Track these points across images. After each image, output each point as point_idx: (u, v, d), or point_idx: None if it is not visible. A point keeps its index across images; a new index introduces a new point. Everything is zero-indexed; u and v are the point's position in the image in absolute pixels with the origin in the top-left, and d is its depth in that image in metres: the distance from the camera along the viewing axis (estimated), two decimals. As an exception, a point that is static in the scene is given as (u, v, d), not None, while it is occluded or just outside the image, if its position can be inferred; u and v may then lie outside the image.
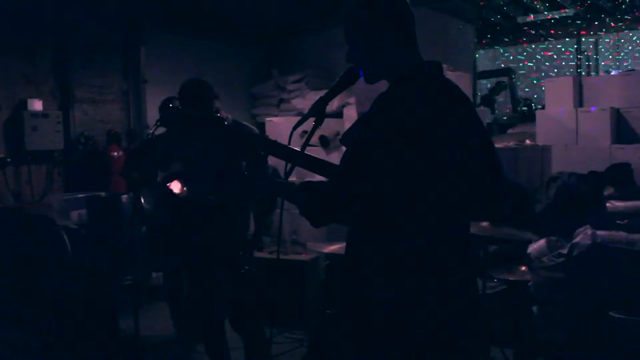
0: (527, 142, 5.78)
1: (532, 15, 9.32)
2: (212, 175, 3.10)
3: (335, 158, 5.46)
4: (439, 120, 1.55)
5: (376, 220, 1.60)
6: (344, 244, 3.32)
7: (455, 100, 1.64)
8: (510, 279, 3.29)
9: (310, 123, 1.84)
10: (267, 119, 6.85)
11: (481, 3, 8.01)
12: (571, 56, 11.19)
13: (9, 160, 5.52)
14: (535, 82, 11.67)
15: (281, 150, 1.87)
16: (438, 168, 1.54)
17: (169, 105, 3.91)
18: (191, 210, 3.21)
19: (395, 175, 1.53)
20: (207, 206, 3.11)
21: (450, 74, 4.95)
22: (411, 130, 1.53)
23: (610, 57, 11.37)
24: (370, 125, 1.61)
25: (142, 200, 4.10)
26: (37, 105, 5.63)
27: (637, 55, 11.10)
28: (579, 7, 8.84)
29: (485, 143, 1.69)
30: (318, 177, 1.89)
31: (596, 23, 9.86)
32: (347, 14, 1.75)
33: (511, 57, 12.18)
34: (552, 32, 10.36)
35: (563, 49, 11.66)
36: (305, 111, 1.86)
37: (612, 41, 11.23)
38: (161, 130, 3.71)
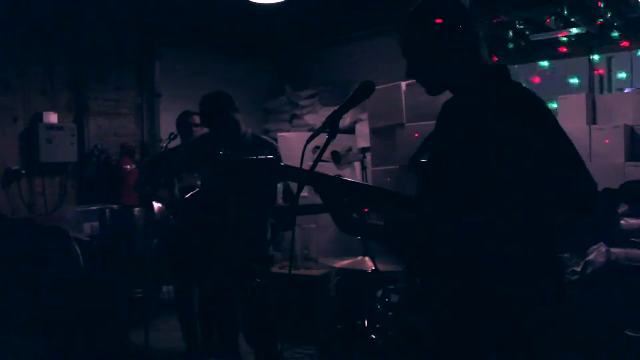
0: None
1: (544, 33, 9.31)
2: (232, 192, 3.13)
3: (346, 174, 5.46)
4: (515, 127, 1.46)
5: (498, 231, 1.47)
6: (354, 259, 3.34)
7: (525, 104, 1.54)
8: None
9: (322, 139, 1.83)
10: (280, 134, 6.87)
11: (494, 21, 8.02)
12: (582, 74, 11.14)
13: (23, 172, 5.58)
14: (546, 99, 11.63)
15: (332, 183, 1.72)
16: (525, 172, 1.45)
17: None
18: (211, 223, 3.23)
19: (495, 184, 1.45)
20: (225, 221, 3.13)
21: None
22: (494, 138, 1.46)
23: (624, 75, 11.31)
24: (451, 142, 1.56)
25: (155, 213, 4.12)
26: (52, 118, 5.69)
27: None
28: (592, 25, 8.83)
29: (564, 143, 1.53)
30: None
31: (609, 41, 9.82)
32: (405, 27, 1.69)
33: (524, 75, 12.14)
34: (565, 49, 10.33)
35: (575, 67, 11.62)
36: (318, 127, 1.83)
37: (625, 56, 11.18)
38: (175, 143, 3.74)
